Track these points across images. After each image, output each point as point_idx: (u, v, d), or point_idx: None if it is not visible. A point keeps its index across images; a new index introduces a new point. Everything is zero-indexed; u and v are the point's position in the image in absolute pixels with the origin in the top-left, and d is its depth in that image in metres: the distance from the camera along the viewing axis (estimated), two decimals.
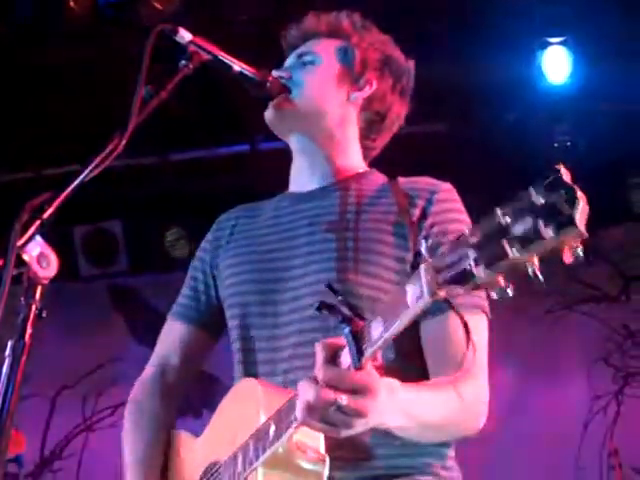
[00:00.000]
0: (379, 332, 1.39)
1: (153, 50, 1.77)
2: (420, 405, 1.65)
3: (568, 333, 5.39)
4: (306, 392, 1.48)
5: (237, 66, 1.97)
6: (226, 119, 4.92)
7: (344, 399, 1.44)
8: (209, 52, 1.89)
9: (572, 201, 1.14)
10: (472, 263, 1.20)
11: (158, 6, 4.17)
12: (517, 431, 5.08)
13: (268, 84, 2.04)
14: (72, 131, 4.72)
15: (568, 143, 5.11)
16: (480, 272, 1.19)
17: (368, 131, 2.15)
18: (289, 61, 2.17)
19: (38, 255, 1.45)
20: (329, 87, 2.10)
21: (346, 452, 1.76)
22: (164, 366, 2.17)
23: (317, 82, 2.09)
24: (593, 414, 5.21)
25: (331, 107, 2.09)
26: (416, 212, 1.92)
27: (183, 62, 1.85)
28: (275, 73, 2.08)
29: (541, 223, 1.13)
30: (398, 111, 2.16)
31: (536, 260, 1.17)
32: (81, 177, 1.57)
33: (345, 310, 1.47)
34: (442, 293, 1.27)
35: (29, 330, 1.42)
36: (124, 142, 1.64)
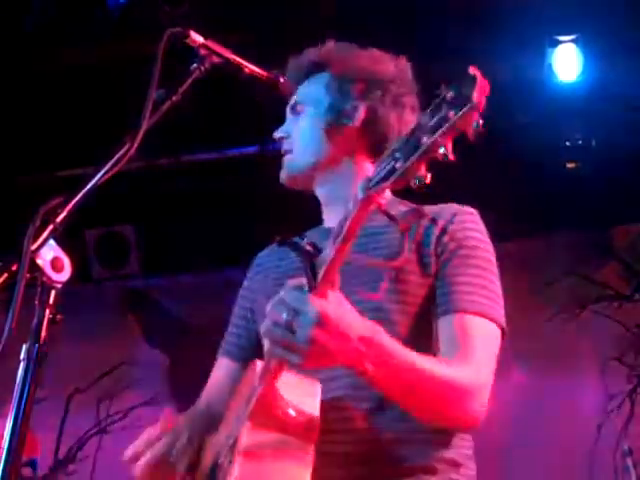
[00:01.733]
0: (328, 250, 1.52)
1: (165, 53, 1.77)
2: (403, 360, 1.66)
3: (581, 333, 5.37)
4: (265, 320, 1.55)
5: (248, 68, 1.97)
6: (236, 121, 4.92)
7: (296, 322, 1.49)
8: (220, 55, 1.89)
9: (472, 84, 1.34)
10: (394, 161, 1.41)
11: (167, 8, 4.19)
12: (531, 431, 5.06)
13: (279, 86, 2.05)
14: (86, 133, 4.74)
15: (580, 141, 5.10)
16: (400, 164, 1.40)
17: (378, 151, 2.06)
18: (287, 117, 2.20)
19: (52, 259, 1.46)
20: (318, 131, 2.10)
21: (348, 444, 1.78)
22: (211, 401, 2.12)
23: (308, 134, 2.11)
24: (607, 414, 5.18)
25: (328, 149, 2.10)
26: (436, 232, 1.95)
27: (194, 65, 1.86)
28: (276, 135, 2.14)
29: (449, 109, 1.35)
30: (398, 119, 2.10)
31: (449, 143, 1.36)
32: (94, 181, 1.58)
33: (306, 246, 1.59)
34: (373, 192, 1.46)
35: (43, 334, 1.43)
36: (136, 145, 1.65)
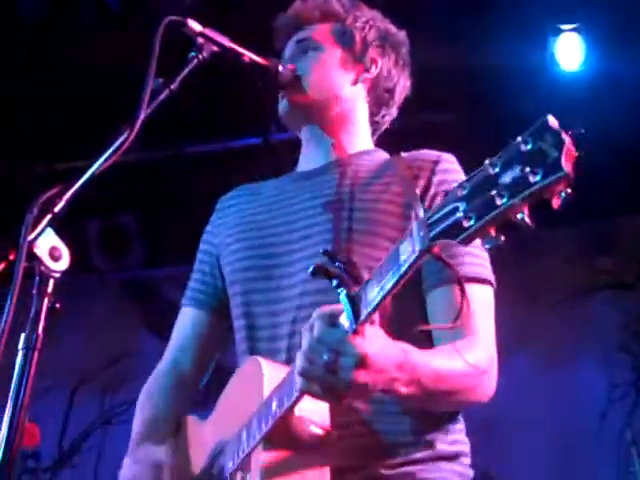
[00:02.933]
0: (375, 293, 1.41)
1: (163, 42, 1.77)
2: (430, 374, 1.66)
3: (585, 321, 5.36)
4: (300, 357, 1.51)
5: (247, 57, 1.96)
6: (238, 112, 4.91)
7: (338, 363, 1.46)
8: (218, 43, 1.88)
9: (558, 145, 1.15)
10: (462, 215, 1.21)
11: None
12: (534, 420, 5.06)
13: (279, 74, 2.04)
14: (85, 125, 4.73)
15: (582, 131, 5.08)
16: (470, 224, 1.21)
17: (377, 108, 2.16)
18: (288, 50, 2.16)
19: (50, 249, 1.46)
20: (337, 73, 2.10)
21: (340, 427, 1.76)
22: (178, 357, 2.15)
23: (324, 70, 2.09)
24: (611, 403, 5.18)
25: (341, 92, 2.09)
26: (421, 183, 1.92)
27: (192, 54, 1.85)
28: (279, 69, 2.07)
29: (528, 169, 1.15)
30: (404, 84, 2.18)
31: (526, 208, 1.18)
32: (91, 170, 1.57)
33: (341, 273, 1.47)
34: (435, 248, 1.30)
35: (42, 323, 1.43)
36: (133, 135, 1.64)
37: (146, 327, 5.91)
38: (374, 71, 2.12)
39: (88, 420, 5.79)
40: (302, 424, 1.65)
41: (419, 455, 1.82)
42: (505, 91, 4.74)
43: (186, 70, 1.80)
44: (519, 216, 1.19)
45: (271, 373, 1.73)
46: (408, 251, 1.33)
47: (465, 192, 1.22)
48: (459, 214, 1.22)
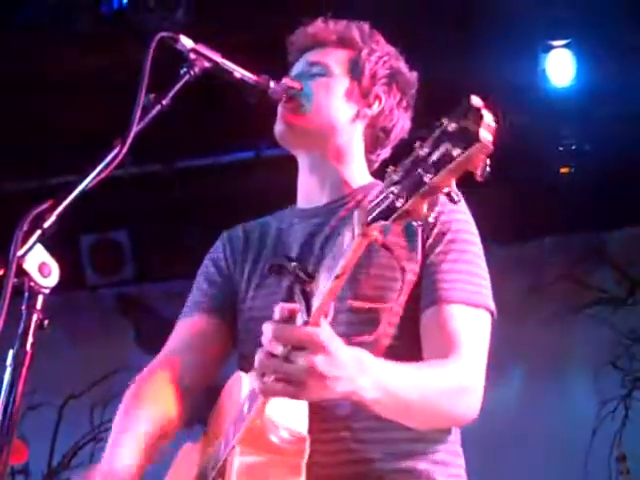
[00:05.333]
0: (324, 283, 1.46)
1: (154, 58, 1.77)
2: (398, 380, 1.65)
3: (575, 337, 5.37)
4: (257, 355, 1.53)
5: (238, 73, 1.96)
6: (231, 126, 4.92)
7: (293, 354, 1.47)
8: (210, 59, 1.89)
9: (478, 120, 1.22)
10: (395, 197, 1.30)
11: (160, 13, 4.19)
12: (524, 436, 5.05)
13: (269, 91, 2.03)
14: (78, 140, 4.73)
15: (573, 146, 5.10)
16: (401, 203, 1.29)
17: (373, 146, 2.14)
18: (298, 67, 2.15)
19: (39, 264, 1.45)
20: (340, 102, 2.08)
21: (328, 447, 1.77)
22: (171, 360, 2.04)
23: (328, 96, 2.07)
24: (601, 419, 5.18)
25: (341, 123, 2.07)
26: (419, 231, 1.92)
27: (184, 70, 1.85)
28: (286, 82, 2.06)
29: (451, 146, 1.23)
30: (403, 126, 2.16)
31: (453, 182, 1.27)
32: (82, 186, 1.57)
33: (295, 270, 1.52)
34: (374, 232, 1.37)
35: (30, 339, 1.42)
36: (125, 149, 1.64)
37: (137, 343, 5.90)
38: (376, 108, 2.10)
39: (77, 436, 5.76)
40: (272, 428, 1.65)
41: None
42: (496, 107, 4.75)
43: (178, 86, 1.80)
44: (445, 190, 1.27)
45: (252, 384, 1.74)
46: (349, 237, 1.40)
47: (399, 176, 1.31)
48: (392, 196, 1.31)
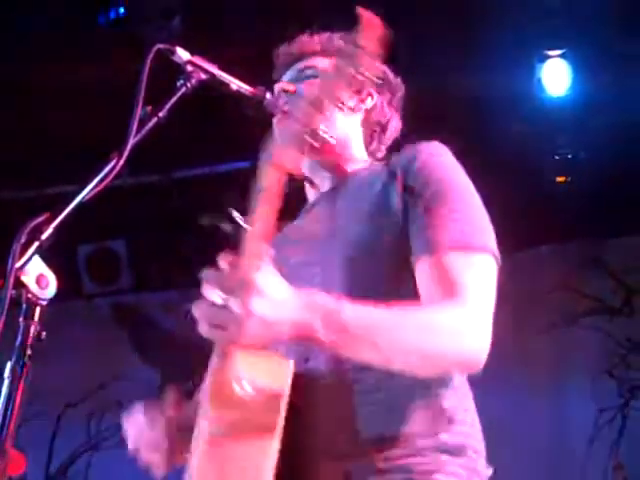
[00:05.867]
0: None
1: (151, 69, 1.78)
2: (361, 320, 1.57)
3: (571, 346, 5.37)
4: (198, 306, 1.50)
5: (234, 85, 1.98)
6: (228, 137, 4.93)
7: (228, 299, 1.44)
8: (206, 71, 1.90)
9: (357, 27, 1.41)
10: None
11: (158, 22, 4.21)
12: (521, 445, 5.05)
13: (265, 102, 2.05)
14: (75, 149, 4.74)
15: (569, 156, 5.12)
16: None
17: (370, 141, 2.18)
18: (289, 74, 2.18)
19: (37, 276, 1.46)
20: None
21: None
22: None
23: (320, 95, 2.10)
24: (598, 428, 5.18)
25: (337, 120, 2.07)
26: (399, 177, 1.89)
27: (181, 81, 1.86)
28: (281, 86, 2.10)
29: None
30: (396, 124, 2.21)
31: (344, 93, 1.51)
32: (79, 198, 1.58)
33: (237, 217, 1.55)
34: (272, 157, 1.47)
35: (28, 351, 1.42)
36: (122, 161, 1.65)
37: (134, 352, 5.90)
38: (369, 103, 2.15)
39: (74, 445, 5.76)
40: (237, 381, 1.56)
41: (419, 445, 1.72)
42: (492, 116, 4.77)
43: (174, 98, 1.82)
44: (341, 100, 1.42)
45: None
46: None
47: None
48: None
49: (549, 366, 5.29)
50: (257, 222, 1.48)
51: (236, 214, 1.57)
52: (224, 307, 1.45)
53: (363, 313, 1.59)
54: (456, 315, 1.67)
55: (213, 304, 1.46)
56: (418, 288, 1.76)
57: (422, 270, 1.76)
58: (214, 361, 1.60)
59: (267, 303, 1.46)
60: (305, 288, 1.58)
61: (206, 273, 1.47)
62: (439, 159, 1.92)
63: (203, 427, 1.64)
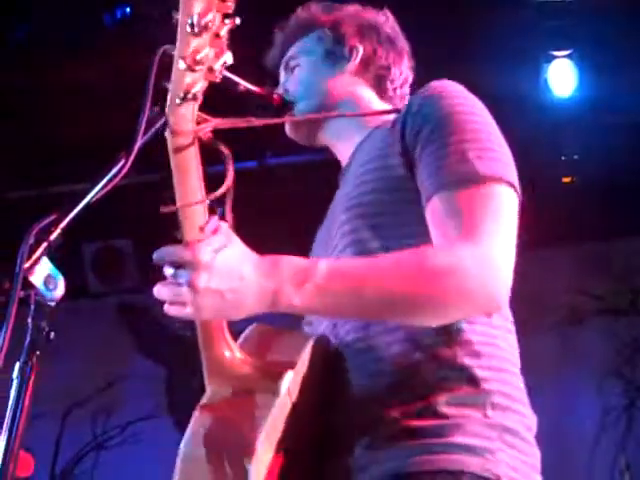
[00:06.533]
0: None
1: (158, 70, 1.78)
2: (337, 273, 1.46)
3: (577, 347, 5.37)
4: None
5: (242, 85, 1.98)
6: (234, 135, 4.93)
7: (178, 274, 1.43)
8: None
9: None
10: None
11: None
12: None
13: (273, 102, 2.06)
14: (81, 149, 4.75)
15: (575, 156, 5.12)
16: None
17: (381, 85, 2.11)
18: (281, 77, 2.19)
19: (45, 277, 1.46)
20: (316, 75, 2.09)
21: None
22: None
23: (305, 80, 2.10)
24: (604, 429, 5.18)
25: (332, 89, 2.07)
26: (403, 120, 1.79)
27: None
28: (275, 93, 2.09)
29: None
30: (397, 60, 2.13)
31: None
32: (87, 198, 1.58)
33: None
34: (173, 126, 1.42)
35: (37, 352, 1.43)
36: (130, 162, 1.65)
37: (140, 350, 5.91)
38: (355, 56, 2.09)
39: (80, 444, 5.76)
40: (240, 362, 1.58)
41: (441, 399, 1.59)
42: (498, 117, 4.76)
43: None
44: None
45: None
46: None
47: None
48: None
49: (555, 366, 5.28)
50: (185, 196, 1.49)
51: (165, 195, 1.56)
52: (178, 283, 1.43)
53: (341, 265, 1.51)
54: (465, 251, 1.49)
55: (169, 282, 1.45)
56: (430, 229, 1.60)
57: (431, 212, 1.60)
58: (200, 338, 1.58)
59: (216, 277, 1.41)
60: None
61: (158, 251, 1.48)
62: (446, 92, 1.76)
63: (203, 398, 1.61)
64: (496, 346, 1.70)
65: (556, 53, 4.64)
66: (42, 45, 4.40)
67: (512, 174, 1.64)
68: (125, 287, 5.87)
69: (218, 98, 1.96)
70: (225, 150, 1.54)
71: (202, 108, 1.81)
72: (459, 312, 1.55)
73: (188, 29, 1.30)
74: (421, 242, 1.56)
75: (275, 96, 2.07)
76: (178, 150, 1.44)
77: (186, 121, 1.45)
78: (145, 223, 5.63)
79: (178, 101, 1.41)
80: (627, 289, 5.46)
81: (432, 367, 1.62)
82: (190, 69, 1.37)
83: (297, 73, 2.13)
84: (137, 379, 5.54)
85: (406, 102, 1.95)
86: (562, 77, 4.70)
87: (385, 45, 2.13)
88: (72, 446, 5.74)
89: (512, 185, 1.62)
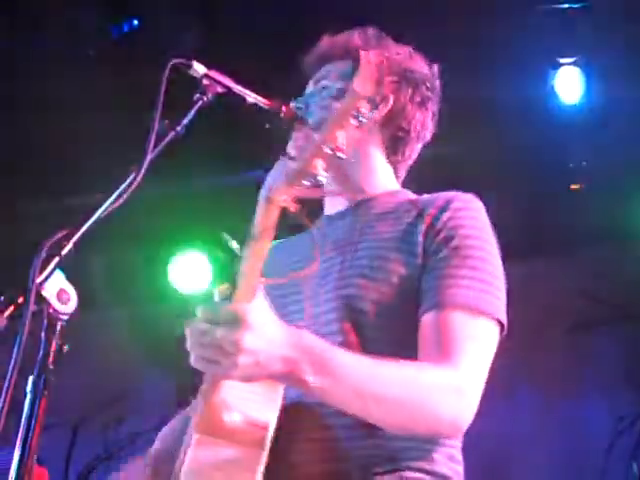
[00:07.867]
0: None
1: (168, 84, 1.79)
2: (351, 367, 1.55)
3: (589, 354, 5.35)
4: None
5: (251, 98, 1.98)
6: (244, 147, 4.94)
7: (216, 331, 1.42)
8: (223, 85, 1.91)
9: (355, 71, 1.47)
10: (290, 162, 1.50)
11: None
12: (540, 455, 5.03)
13: (282, 115, 2.05)
14: (91, 161, 4.76)
15: (583, 163, 5.11)
16: (294, 164, 1.47)
17: (394, 147, 2.08)
18: (308, 89, 2.15)
19: (58, 291, 1.47)
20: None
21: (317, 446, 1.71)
22: None
23: (329, 107, 2.01)
24: (617, 436, 5.15)
25: (349, 134, 2.05)
26: (427, 220, 1.86)
27: (197, 95, 1.87)
28: (293, 104, 2.05)
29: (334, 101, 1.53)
30: (422, 121, 2.08)
31: (340, 136, 1.48)
32: (98, 213, 1.59)
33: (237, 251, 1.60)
34: (280, 197, 1.49)
35: (50, 366, 1.43)
36: (141, 176, 1.66)
37: (149, 362, 5.91)
38: (383, 108, 2.04)
39: (91, 455, 5.77)
40: (225, 410, 1.56)
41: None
42: (506, 124, 4.77)
43: (192, 112, 1.83)
44: (339, 139, 1.49)
45: None
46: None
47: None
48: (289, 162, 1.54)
49: (567, 373, 5.26)
50: (252, 258, 1.48)
51: (232, 243, 1.58)
52: (216, 341, 1.43)
53: (352, 361, 1.57)
54: (446, 376, 1.65)
55: (204, 336, 1.44)
56: (418, 339, 1.75)
57: (426, 323, 1.75)
58: (204, 386, 1.58)
59: (259, 339, 1.44)
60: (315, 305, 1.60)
61: (200, 307, 1.47)
62: (471, 214, 1.88)
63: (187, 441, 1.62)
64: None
65: (563, 60, 4.64)
66: (52, 57, 4.42)
67: (503, 313, 1.79)
68: (135, 299, 5.88)
69: (226, 111, 1.97)
70: (309, 224, 1.58)
71: (207, 120, 1.83)
72: (433, 429, 1.70)
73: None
74: (409, 354, 1.70)
75: (284, 108, 2.06)
76: (267, 217, 1.48)
77: (285, 195, 1.50)
78: (153, 234, 5.66)
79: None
80: (638, 295, 5.44)
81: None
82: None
83: (321, 104, 2.05)
84: (147, 391, 5.54)
85: (437, 198, 1.94)
86: (569, 84, 4.70)
87: (415, 104, 2.07)
88: (83, 458, 5.74)
89: (500, 323, 1.78)
